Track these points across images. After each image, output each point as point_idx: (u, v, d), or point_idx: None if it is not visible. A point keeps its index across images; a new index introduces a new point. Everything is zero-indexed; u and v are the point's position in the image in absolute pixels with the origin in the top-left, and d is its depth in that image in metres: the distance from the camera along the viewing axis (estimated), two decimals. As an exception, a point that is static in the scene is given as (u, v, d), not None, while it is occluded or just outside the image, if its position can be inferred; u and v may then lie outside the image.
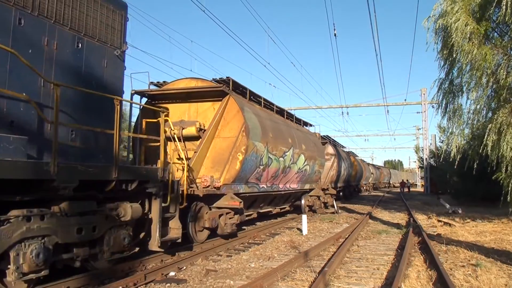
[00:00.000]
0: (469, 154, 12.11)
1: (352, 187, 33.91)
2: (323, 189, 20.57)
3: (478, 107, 11.54)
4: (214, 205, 10.04)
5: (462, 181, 24.39)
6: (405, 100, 38.25)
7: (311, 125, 20.45)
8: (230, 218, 10.19)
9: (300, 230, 12.56)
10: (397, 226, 14.25)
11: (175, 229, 7.93)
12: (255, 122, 11.05)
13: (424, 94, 38.66)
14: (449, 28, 10.84)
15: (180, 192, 8.39)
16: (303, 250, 9.09)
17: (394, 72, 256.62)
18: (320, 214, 18.77)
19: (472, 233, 12.00)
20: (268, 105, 14.22)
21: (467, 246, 9.38)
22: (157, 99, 11.09)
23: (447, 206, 20.48)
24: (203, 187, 9.53)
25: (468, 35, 10.61)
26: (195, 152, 9.95)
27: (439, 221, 15.31)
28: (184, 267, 7.65)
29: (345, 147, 33.79)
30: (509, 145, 10.04)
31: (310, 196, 18.48)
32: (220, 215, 10.06)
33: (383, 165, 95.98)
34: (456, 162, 12.73)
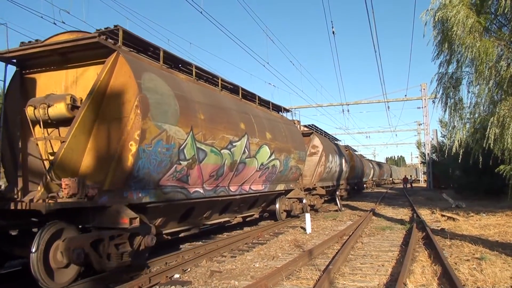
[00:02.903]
0: (472, 148, 12.09)
1: (351, 185, 31.24)
2: (309, 189, 17.85)
3: (479, 100, 11.52)
4: (94, 224, 6.71)
5: (465, 175, 24.36)
6: (406, 95, 38.34)
7: (287, 111, 16.66)
8: (119, 245, 6.64)
9: (304, 228, 12.55)
10: (401, 222, 14.22)
11: None
12: (166, 95, 7.72)
13: (424, 89, 38.64)
14: (449, 21, 10.79)
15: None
16: (307, 249, 9.08)
17: (393, 68, 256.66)
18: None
19: (476, 226, 11.97)
20: (211, 79, 10.75)
21: (471, 240, 9.36)
22: (28, 66, 7.66)
23: (451, 200, 20.46)
24: (66, 197, 6.11)
25: (469, 28, 10.57)
26: (62, 142, 6.62)
27: (442, 215, 15.29)
28: (189, 269, 7.66)
29: (339, 140, 30.55)
30: None
31: (288, 198, 15.34)
32: (96, 241, 6.35)
33: (385, 162, 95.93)
34: (460, 156, 12.70)
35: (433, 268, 6.89)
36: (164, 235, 8.52)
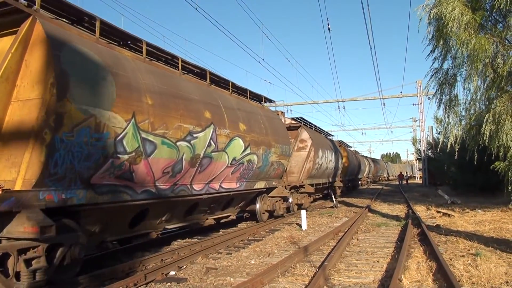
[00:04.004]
0: (468, 144, 12.12)
1: (346, 182, 30.40)
2: (296, 187, 16.54)
3: (475, 97, 11.53)
4: (3, 234, 5.42)
5: (460, 172, 24.43)
6: (401, 92, 38.54)
7: (270, 101, 15.14)
8: (32, 260, 5.37)
9: (300, 225, 12.55)
10: (396, 218, 14.27)
11: None
12: (98, 73, 6.42)
13: (420, 86, 38.69)
14: (444, 18, 10.80)
15: None
16: (303, 245, 9.08)
17: (389, 65, 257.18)
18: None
19: (471, 223, 12.02)
20: (170, 60, 9.54)
21: (467, 236, 9.39)
22: None
23: (446, 197, 20.52)
24: None
25: (464, 25, 10.59)
26: None
27: (438, 212, 15.33)
28: (184, 266, 7.65)
29: (332, 136, 29.14)
30: (509, 134, 10.03)
31: (271, 197, 14.06)
32: (2, 256, 5.21)
33: (380, 158, 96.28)
34: (456, 153, 12.73)
35: (428, 264, 6.90)
36: (109, 243, 7.46)
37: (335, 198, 20.96)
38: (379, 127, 66.85)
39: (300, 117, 19.80)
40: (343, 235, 10.20)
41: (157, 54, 9.05)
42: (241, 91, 12.97)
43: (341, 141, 33.54)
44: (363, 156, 51.46)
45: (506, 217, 12.69)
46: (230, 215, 12.40)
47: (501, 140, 10.15)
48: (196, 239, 10.63)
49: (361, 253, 8.38)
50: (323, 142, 21.15)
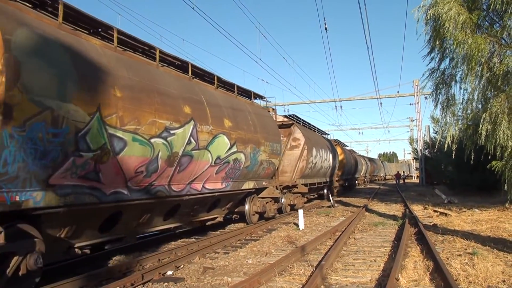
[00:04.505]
0: (465, 144, 12.15)
1: (342, 182, 30.06)
2: (288, 187, 16.03)
3: (471, 96, 11.56)
4: None
5: (457, 171, 24.50)
6: (398, 92, 38.69)
7: (260, 97, 14.49)
8: None
9: (297, 225, 12.56)
10: (393, 217, 14.28)
11: None
12: (57, 60, 5.81)
13: (417, 85, 38.77)
14: (441, 18, 10.83)
15: None
16: (300, 245, 9.08)
17: (386, 65, 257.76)
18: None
19: (468, 222, 12.05)
20: (147, 51, 8.82)
21: (464, 235, 9.42)
22: None
23: (443, 196, 20.58)
24: None
25: (461, 25, 10.62)
26: None
27: (435, 211, 15.37)
28: (182, 266, 7.64)
29: (328, 134, 28.49)
30: (506, 134, 10.07)
31: (261, 198, 13.46)
32: None
33: (377, 158, 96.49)
34: (453, 152, 12.77)
35: (425, 263, 6.92)
36: (76, 249, 6.70)
37: (332, 197, 20.97)
38: (376, 126, 66.92)
39: (293, 115, 19.13)
40: (340, 234, 10.21)
41: (131, 44, 8.35)
42: (228, 86, 12.20)
43: (337, 140, 33.36)
44: (360, 155, 51.42)
45: (503, 216, 12.73)
46: (217, 217, 11.63)
47: (498, 139, 10.19)
48: (193, 239, 10.62)
49: (358, 253, 8.39)
50: (318, 140, 20.55)
